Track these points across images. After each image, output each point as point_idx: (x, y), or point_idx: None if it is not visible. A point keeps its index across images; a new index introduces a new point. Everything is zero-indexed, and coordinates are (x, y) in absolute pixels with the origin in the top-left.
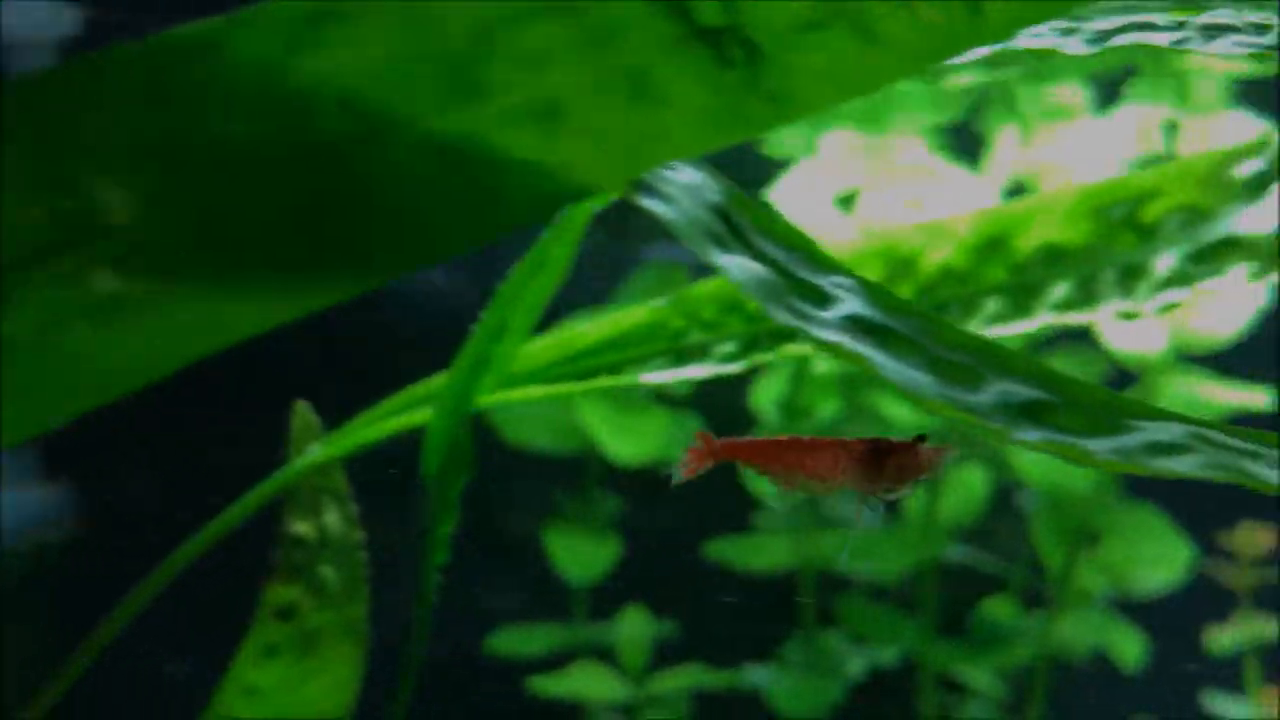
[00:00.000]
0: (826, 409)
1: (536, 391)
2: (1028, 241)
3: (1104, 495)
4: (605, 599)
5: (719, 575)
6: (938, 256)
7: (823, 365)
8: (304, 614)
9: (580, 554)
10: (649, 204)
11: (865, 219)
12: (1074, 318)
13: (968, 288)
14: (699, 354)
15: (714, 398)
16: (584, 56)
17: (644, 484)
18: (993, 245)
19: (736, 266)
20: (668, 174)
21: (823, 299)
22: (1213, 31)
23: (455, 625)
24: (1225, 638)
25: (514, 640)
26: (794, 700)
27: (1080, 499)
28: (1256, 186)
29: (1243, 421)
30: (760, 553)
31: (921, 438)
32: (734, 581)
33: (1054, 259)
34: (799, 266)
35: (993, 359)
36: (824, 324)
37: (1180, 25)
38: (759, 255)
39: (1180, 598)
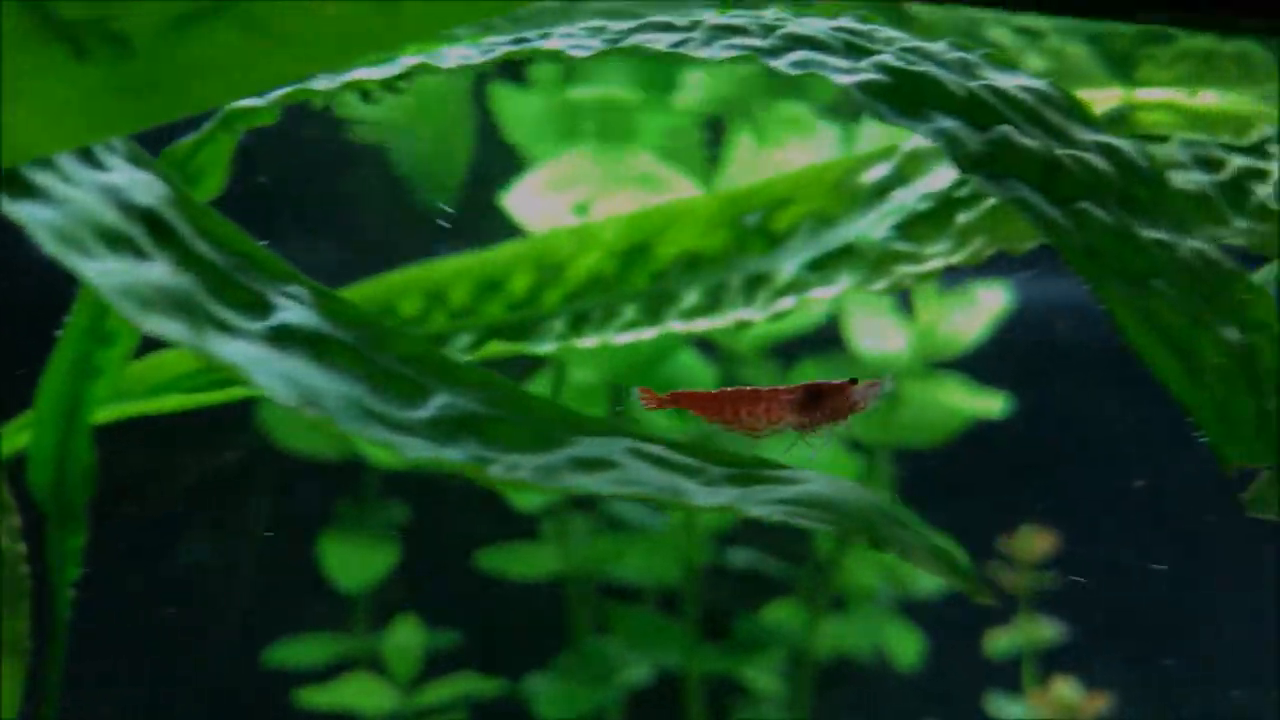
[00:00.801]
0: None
1: (173, 401)
2: (669, 249)
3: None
4: (387, 608)
5: (497, 583)
6: (587, 262)
7: (583, 373)
8: None
9: (353, 562)
10: (9, 207)
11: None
12: (700, 325)
13: (611, 294)
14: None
15: None
16: None
17: (430, 490)
18: (638, 251)
19: (104, 274)
20: (80, 172)
21: (259, 307)
22: (718, 33)
23: (234, 636)
24: (1004, 640)
25: (291, 651)
26: (562, 707)
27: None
28: (879, 192)
29: (984, 427)
30: (530, 561)
31: (853, 380)
32: (514, 590)
33: (692, 266)
34: (241, 273)
35: (440, 372)
36: (245, 334)
37: (693, 26)
38: (193, 260)
39: (964, 601)
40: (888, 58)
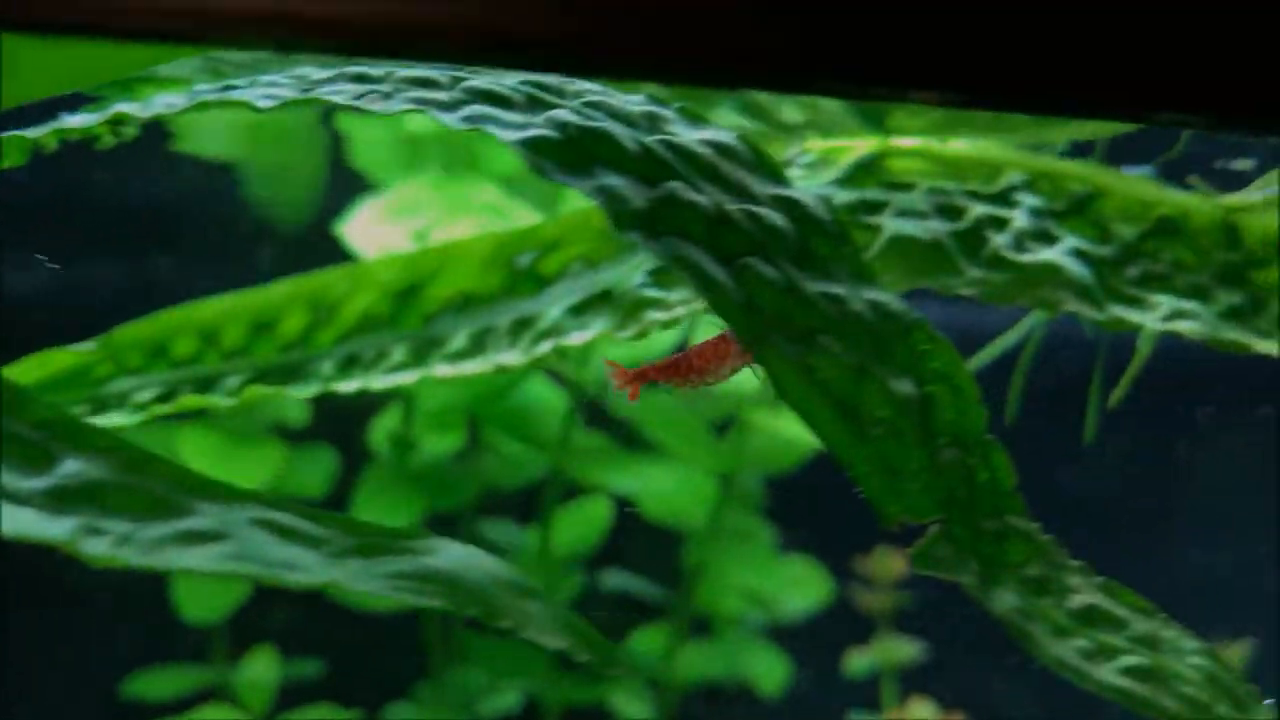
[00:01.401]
0: (442, 443)
1: None
2: (442, 290)
3: (723, 524)
4: (245, 638)
5: (355, 613)
6: (362, 302)
7: (436, 399)
8: None
9: (202, 593)
10: None
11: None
12: (466, 368)
13: (383, 336)
14: (118, 402)
15: (340, 428)
16: None
17: None
18: (412, 292)
19: None
20: None
21: None
22: (404, 86)
23: (91, 667)
24: (863, 660)
25: (147, 683)
26: None
27: (702, 529)
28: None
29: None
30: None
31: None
32: (373, 618)
33: (464, 307)
34: None
35: (71, 437)
36: None
37: (385, 78)
38: None
39: (826, 622)
40: (565, 113)
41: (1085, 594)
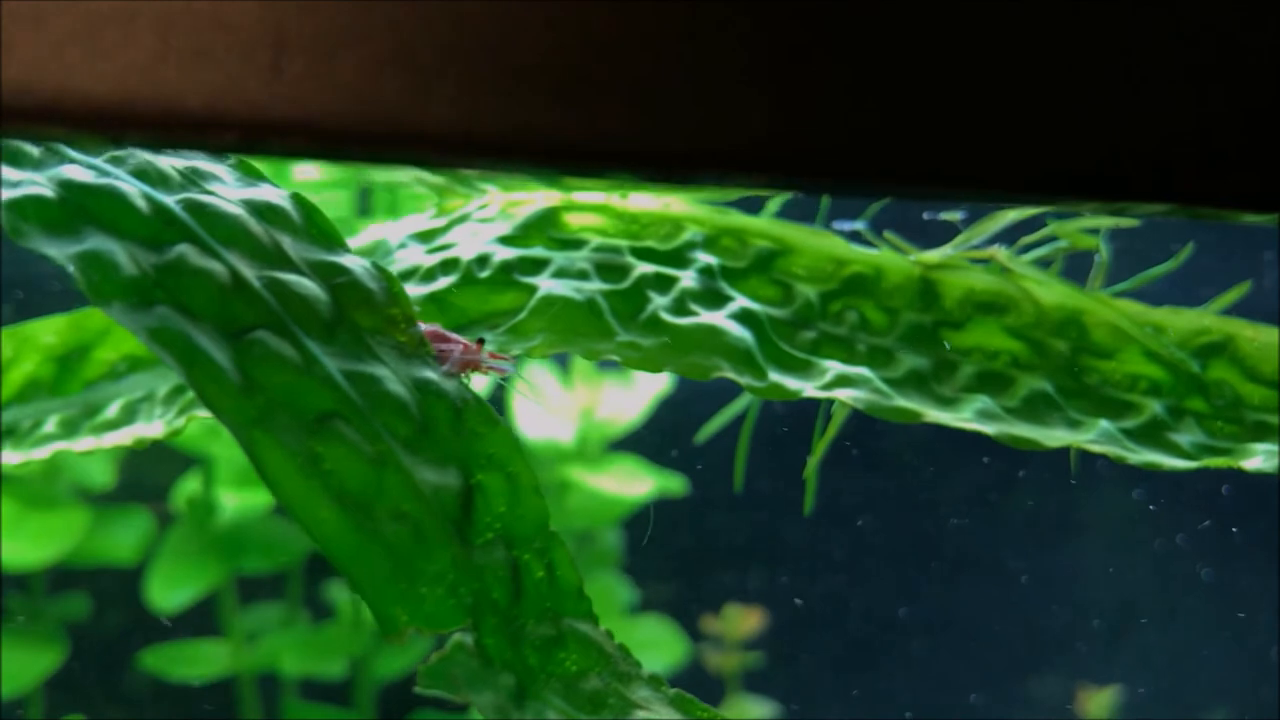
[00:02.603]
0: (250, 501)
1: None
2: (108, 353)
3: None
4: (55, 710)
5: (166, 682)
6: (26, 367)
7: (235, 465)
8: None
9: (13, 662)
10: None
11: None
12: (108, 440)
13: (44, 402)
14: None
15: (145, 484)
16: None
17: (94, 585)
18: (78, 354)
19: None
20: None
21: None
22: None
23: None
24: None
25: None
26: None
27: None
28: None
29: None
30: (196, 661)
31: (481, 341)
32: (184, 688)
33: (130, 371)
34: None
35: None
36: None
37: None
38: None
39: (679, 683)
40: (75, 170)
41: (653, 709)
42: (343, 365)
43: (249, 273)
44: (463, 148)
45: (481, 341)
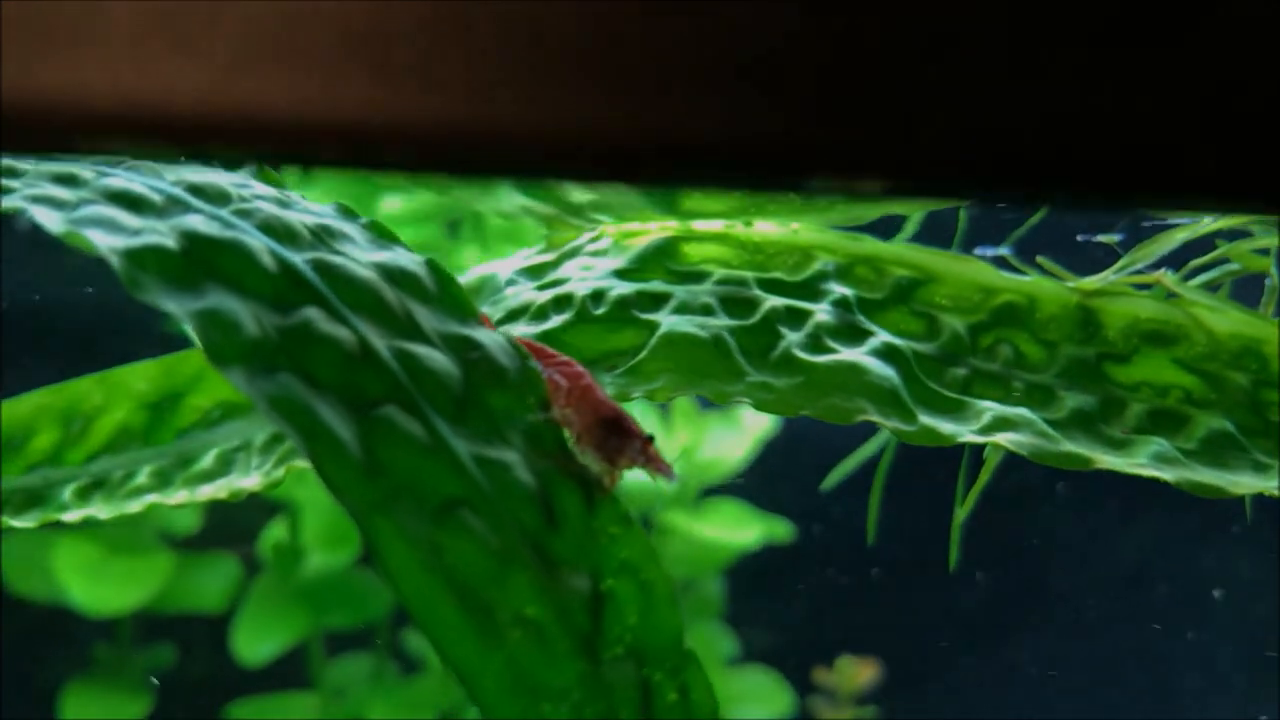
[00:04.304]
0: (334, 555)
1: None
2: (201, 399)
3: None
4: None
5: None
6: (118, 415)
7: (321, 513)
8: None
9: (95, 714)
10: None
11: None
12: (205, 492)
13: (136, 452)
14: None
15: (232, 529)
16: None
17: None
18: (169, 402)
19: None
20: None
21: None
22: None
23: None
24: None
25: None
26: None
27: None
28: None
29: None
30: (285, 714)
31: (651, 438)
32: None
33: (223, 419)
34: None
35: None
36: None
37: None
38: None
39: None
40: (199, 219)
41: None
42: (472, 449)
43: (378, 342)
44: (574, 155)
45: (651, 439)
